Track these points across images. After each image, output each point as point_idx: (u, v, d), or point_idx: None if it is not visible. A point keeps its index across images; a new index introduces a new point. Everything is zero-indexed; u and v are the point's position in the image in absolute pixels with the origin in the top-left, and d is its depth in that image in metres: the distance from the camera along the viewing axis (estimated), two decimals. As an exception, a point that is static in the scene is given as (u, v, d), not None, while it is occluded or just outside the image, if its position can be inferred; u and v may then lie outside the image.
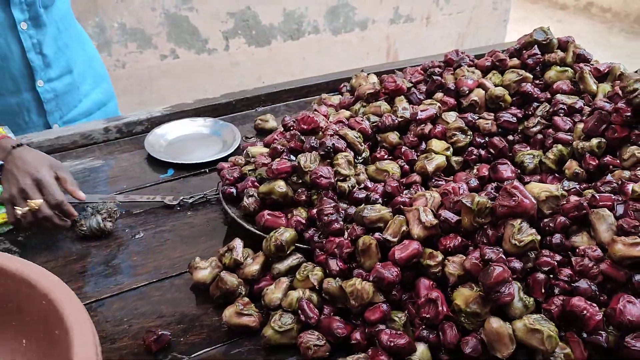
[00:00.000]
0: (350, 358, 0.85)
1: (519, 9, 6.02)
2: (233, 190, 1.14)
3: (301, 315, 0.91)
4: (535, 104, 1.25)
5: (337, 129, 1.16)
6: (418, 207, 0.95)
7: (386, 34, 3.62)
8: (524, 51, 1.34)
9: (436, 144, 1.18)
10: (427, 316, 0.86)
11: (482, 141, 1.21)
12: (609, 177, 1.02)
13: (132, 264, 1.10)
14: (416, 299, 0.90)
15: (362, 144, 1.17)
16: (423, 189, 1.11)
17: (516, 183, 0.90)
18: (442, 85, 1.30)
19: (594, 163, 1.08)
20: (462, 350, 0.83)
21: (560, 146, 1.14)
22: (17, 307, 0.82)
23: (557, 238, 0.90)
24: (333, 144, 1.10)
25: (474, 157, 1.19)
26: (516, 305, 0.84)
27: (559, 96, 1.23)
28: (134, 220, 1.21)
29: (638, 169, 1.01)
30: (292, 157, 1.12)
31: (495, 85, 1.28)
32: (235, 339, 0.94)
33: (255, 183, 1.12)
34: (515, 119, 1.23)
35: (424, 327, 0.87)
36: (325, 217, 0.99)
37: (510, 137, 1.22)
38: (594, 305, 0.82)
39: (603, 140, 1.10)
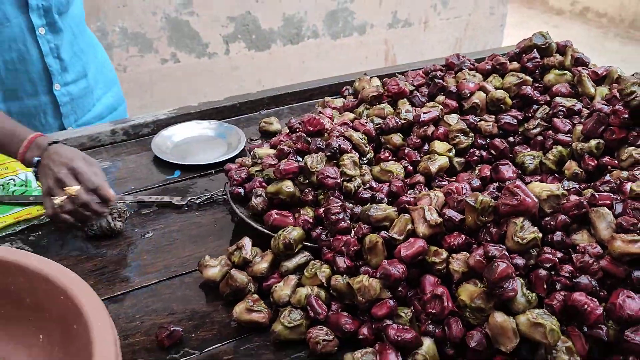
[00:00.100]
0: (358, 352, 0.87)
1: (515, 13, 6.07)
2: (241, 190, 1.17)
3: (310, 311, 0.94)
4: (535, 106, 1.28)
5: (343, 131, 1.19)
6: (423, 206, 0.98)
7: (384, 38, 3.66)
8: (524, 55, 1.38)
9: (439, 146, 1.21)
10: (433, 311, 0.88)
11: (484, 143, 1.23)
12: (607, 177, 1.04)
13: (142, 262, 1.12)
14: (422, 295, 0.92)
15: (367, 145, 1.20)
16: (426, 189, 1.13)
17: (518, 182, 0.93)
18: (444, 88, 1.33)
19: (593, 163, 1.11)
20: (467, 344, 0.85)
21: (560, 147, 1.17)
22: (34, 303, 0.83)
23: (558, 236, 0.93)
24: (339, 145, 1.13)
25: (475, 158, 1.22)
26: (519, 301, 0.86)
27: (558, 99, 1.26)
28: (143, 220, 1.23)
29: (636, 169, 1.04)
30: (299, 158, 1.14)
31: (496, 88, 1.31)
32: (245, 335, 0.96)
33: (263, 183, 1.15)
34: (515, 121, 1.26)
35: (429, 322, 0.89)
36: (333, 216, 1.02)
37: (511, 139, 1.25)
38: (595, 300, 0.84)
39: (601, 141, 1.13)
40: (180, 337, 0.94)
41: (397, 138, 1.24)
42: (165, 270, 1.10)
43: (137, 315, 0.99)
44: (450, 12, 3.80)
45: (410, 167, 1.19)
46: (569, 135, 1.19)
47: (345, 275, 0.96)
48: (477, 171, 1.19)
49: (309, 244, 1.05)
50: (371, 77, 1.49)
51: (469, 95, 1.29)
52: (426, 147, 1.23)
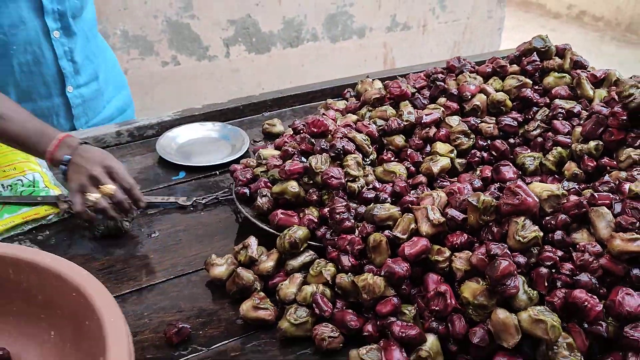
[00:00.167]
0: (364, 349, 0.89)
1: (512, 17, 6.10)
2: (246, 190, 1.18)
3: (315, 309, 0.95)
4: (535, 108, 1.30)
5: (346, 132, 1.20)
6: (426, 205, 1.00)
7: (383, 41, 3.68)
8: (524, 58, 1.40)
9: (440, 147, 1.23)
10: (437, 308, 0.90)
11: (485, 144, 1.26)
12: (606, 178, 1.06)
13: (149, 262, 1.14)
14: (425, 292, 0.94)
15: (370, 146, 1.22)
16: (429, 189, 1.15)
17: (520, 182, 0.95)
18: (445, 91, 1.35)
19: (592, 164, 1.13)
20: (470, 341, 0.87)
21: (559, 148, 1.19)
22: (46, 300, 0.84)
23: (558, 235, 0.95)
24: (343, 146, 1.15)
25: (477, 159, 1.24)
26: (521, 298, 0.87)
27: (557, 101, 1.28)
28: (149, 220, 1.25)
29: (634, 169, 1.06)
30: (303, 159, 1.16)
31: (497, 91, 1.33)
32: (252, 332, 0.98)
33: (268, 184, 1.17)
34: (516, 122, 1.28)
35: (433, 319, 0.91)
36: (337, 216, 1.04)
37: (512, 140, 1.27)
38: (595, 297, 0.85)
39: (600, 142, 1.15)
40: (188, 334, 0.96)
41: (399, 139, 1.26)
42: (172, 269, 1.11)
43: (145, 313, 1.01)
44: (448, 15, 3.83)
45: (412, 168, 1.21)
46: (568, 136, 1.21)
47: (349, 274, 0.98)
48: (478, 172, 1.21)
49: (313, 243, 1.07)
50: (373, 80, 1.51)
51: (470, 97, 1.31)
52: (428, 148, 1.25)
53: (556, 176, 1.17)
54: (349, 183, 1.12)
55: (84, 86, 1.58)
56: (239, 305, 0.99)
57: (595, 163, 1.13)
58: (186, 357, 0.93)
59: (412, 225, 0.99)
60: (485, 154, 1.25)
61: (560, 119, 1.25)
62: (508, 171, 1.13)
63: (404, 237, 0.98)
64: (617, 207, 0.95)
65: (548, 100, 1.31)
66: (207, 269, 1.06)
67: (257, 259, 1.06)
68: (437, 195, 1.04)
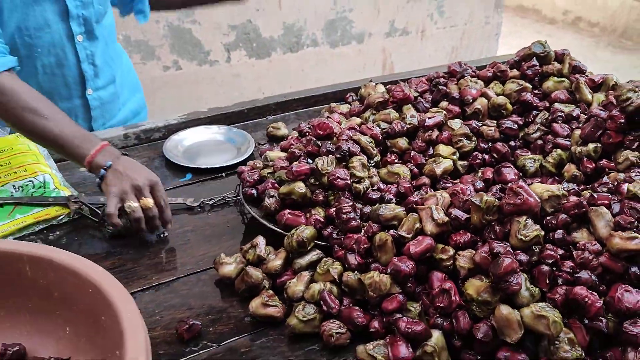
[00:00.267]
0: (370, 344, 0.92)
1: (508, 23, 6.15)
2: (254, 191, 1.21)
3: (323, 306, 0.98)
4: (535, 111, 1.33)
5: (351, 135, 1.23)
6: (430, 205, 1.03)
7: (382, 46, 3.71)
8: (523, 63, 1.43)
9: (443, 149, 1.26)
10: (442, 305, 0.93)
11: (486, 146, 1.28)
12: (605, 179, 1.09)
13: (159, 261, 1.16)
14: (430, 290, 0.97)
15: (374, 148, 1.25)
16: (432, 190, 1.18)
17: (521, 183, 0.97)
18: (447, 95, 1.38)
19: (591, 166, 1.16)
20: (474, 336, 0.89)
21: (559, 151, 1.22)
22: (62, 296, 0.86)
23: (559, 234, 0.97)
24: (349, 148, 1.17)
25: (478, 161, 1.27)
26: (523, 294, 0.90)
27: (556, 105, 1.32)
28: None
29: (632, 171, 1.09)
30: (309, 161, 1.19)
31: (497, 95, 1.36)
32: (261, 329, 1.00)
33: (275, 185, 1.19)
34: (516, 125, 1.31)
35: (438, 315, 0.94)
36: (344, 215, 1.06)
37: (512, 143, 1.30)
38: (595, 294, 0.88)
39: (599, 145, 1.18)
40: (199, 330, 0.98)
41: (402, 142, 1.29)
42: (182, 268, 1.14)
43: (157, 311, 1.03)
44: (446, 21, 3.87)
45: (415, 170, 1.24)
46: (567, 139, 1.24)
47: (356, 272, 1.00)
48: (480, 173, 1.23)
49: (320, 242, 1.10)
50: (377, 84, 1.54)
51: (471, 101, 1.34)
52: (431, 150, 1.28)
53: (556, 178, 1.20)
54: (354, 184, 1.14)
55: (102, 89, 1.62)
56: (248, 303, 1.02)
57: (594, 165, 1.16)
58: (197, 353, 0.95)
59: (417, 225, 1.01)
60: (486, 156, 1.28)
61: (559, 122, 1.28)
62: (509, 173, 1.15)
63: (409, 236, 1.00)
64: (616, 207, 0.98)
65: (547, 104, 1.35)
66: (216, 268, 1.09)
67: (265, 257, 1.08)
68: (440, 196, 1.06)
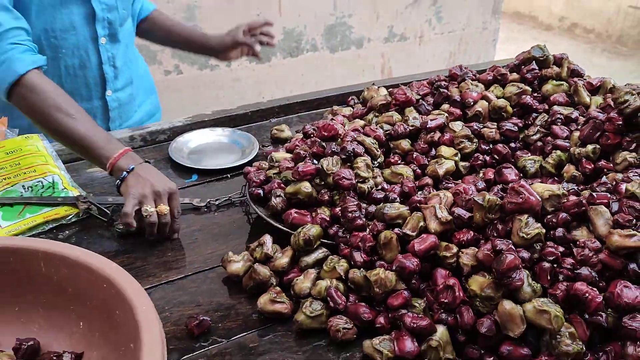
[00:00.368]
0: (377, 339, 0.94)
1: (505, 29, 6.20)
2: (260, 191, 1.23)
3: (330, 302, 1.00)
4: (535, 114, 1.36)
5: (355, 136, 1.26)
6: (434, 204, 1.05)
7: (381, 51, 3.75)
8: (523, 66, 1.46)
9: (445, 150, 1.28)
10: (446, 301, 0.95)
11: (487, 148, 1.31)
12: (604, 179, 1.12)
13: (167, 259, 1.18)
14: (434, 286, 0.99)
15: (378, 149, 1.27)
16: (435, 190, 1.20)
17: (523, 182, 1.00)
18: (449, 97, 1.41)
19: (590, 167, 1.19)
20: (477, 331, 0.92)
21: (558, 152, 1.25)
22: (76, 292, 0.87)
23: (559, 232, 0.99)
24: (353, 149, 1.20)
25: (479, 162, 1.29)
26: (525, 290, 0.92)
27: (556, 107, 1.34)
28: (165, 220, 1.29)
29: (630, 171, 1.11)
30: (315, 161, 1.21)
31: (498, 98, 1.39)
32: (269, 325, 1.02)
33: (282, 185, 1.22)
34: (516, 128, 1.34)
35: (442, 311, 0.96)
36: (350, 214, 1.09)
37: (513, 144, 1.33)
38: (595, 289, 0.90)
39: (597, 146, 1.20)
40: (209, 326, 1.00)
41: (405, 143, 1.31)
42: (190, 266, 1.16)
43: (167, 307, 1.05)
44: (444, 27, 3.91)
45: (418, 171, 1.26)
46: (567, 141, 1.27)
47: (362, 269, 1.03)
48: (481, 174, 1.26)
49: (325, 240, 1.12)
50: (379, 87, 1.57)
51: (472, 103, 1.37)
52: (433, 152, 1.31)
53: (555, 178, 1.23)
54: (359, 184, 1.17)
55: (120, 90, 1.66)
56: (256, 300, 1.04)
57: (592, 165, 1.19)
58: (207, 349, 0.97)
59: (421, 223, 1.04)
60: (487, 158, 1.30)
61: (558, 124, 1.31)
62: (510, 173, 1.18)
63: (414, 234, 1.03)
64: (615, 206, 1.01)
65: (547, 107, 1.37)
66: (224, 266, 1.11)
67: (273, 255, 1.10)
68: (443, 195, 1.09)
